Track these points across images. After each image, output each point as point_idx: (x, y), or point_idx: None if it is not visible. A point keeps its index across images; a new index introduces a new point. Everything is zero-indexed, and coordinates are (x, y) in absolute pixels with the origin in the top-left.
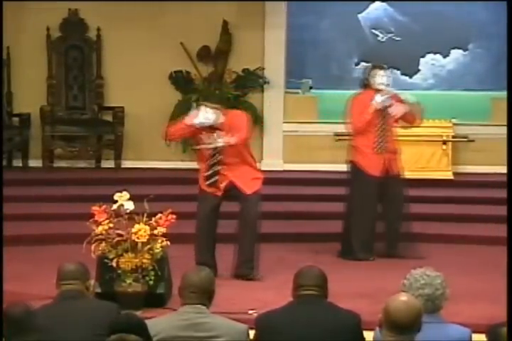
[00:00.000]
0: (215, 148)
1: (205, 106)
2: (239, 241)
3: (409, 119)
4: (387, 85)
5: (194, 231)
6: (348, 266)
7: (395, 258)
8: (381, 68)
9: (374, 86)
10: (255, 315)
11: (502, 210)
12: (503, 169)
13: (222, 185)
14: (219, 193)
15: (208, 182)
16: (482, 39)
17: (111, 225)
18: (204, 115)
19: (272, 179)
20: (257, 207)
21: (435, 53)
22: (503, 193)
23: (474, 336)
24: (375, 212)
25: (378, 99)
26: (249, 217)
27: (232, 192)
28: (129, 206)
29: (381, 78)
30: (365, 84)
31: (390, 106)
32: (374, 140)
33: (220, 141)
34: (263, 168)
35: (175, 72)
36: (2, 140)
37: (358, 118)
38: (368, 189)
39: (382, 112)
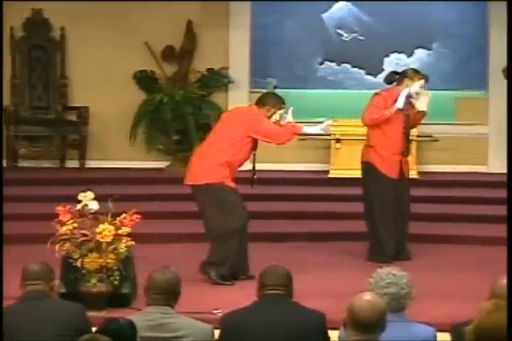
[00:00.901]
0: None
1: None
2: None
3: (416, 120)
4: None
5: (231, 227)
6: (316, 265)
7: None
8: (425, 79)
9: (410, 89)
10: (220, 314)
11: (468, 209)
12: (468, 168)
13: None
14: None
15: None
16: (446, 39)
17: (75, 225)
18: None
19: (242, 179)
20: None
21: (399, 53)
22: (468, 192)
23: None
24: (394, 213)
25: (401, 101)
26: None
27: None
28: (94, 206)
29: (419, 88)
30: (392, 82)
31: (416, 97)
32: (401, 144)
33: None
34: None
35: (139, 71)
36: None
37: (370, 114)
38: (389, 192)
39: (406, 114)
